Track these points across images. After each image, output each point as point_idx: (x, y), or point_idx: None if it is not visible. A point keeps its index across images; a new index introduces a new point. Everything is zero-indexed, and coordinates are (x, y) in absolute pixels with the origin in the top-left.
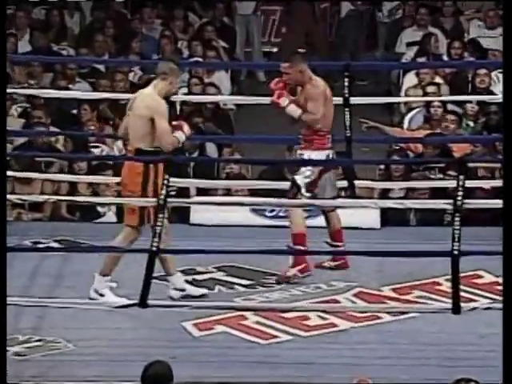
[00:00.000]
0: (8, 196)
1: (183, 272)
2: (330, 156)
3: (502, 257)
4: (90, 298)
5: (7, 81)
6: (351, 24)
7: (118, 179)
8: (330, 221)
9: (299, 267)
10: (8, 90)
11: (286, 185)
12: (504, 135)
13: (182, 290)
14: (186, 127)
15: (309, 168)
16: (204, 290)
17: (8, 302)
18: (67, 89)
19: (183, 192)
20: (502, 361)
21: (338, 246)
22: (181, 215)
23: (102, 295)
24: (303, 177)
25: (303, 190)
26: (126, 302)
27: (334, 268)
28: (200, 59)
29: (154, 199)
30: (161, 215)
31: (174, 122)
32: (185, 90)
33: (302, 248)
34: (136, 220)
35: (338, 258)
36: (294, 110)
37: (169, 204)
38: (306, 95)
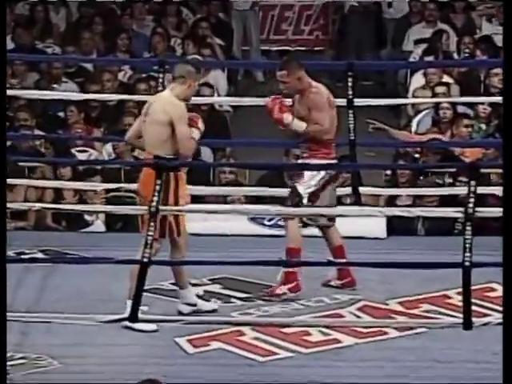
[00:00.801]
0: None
1: (175, 284)
2: None
3: (503, 258)
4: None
5: None
6: (355, 20)
7: (106, 186)
8: (329, 238)
9: (290, 285)
10: None
11: (285, 192)
12: (504, 135)
13: (193, 305)
14: (200, 122)
15: (314, 178)
16: (215, 305)
17: None
18: (52, 89)
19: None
20: (502, 361)
21: None
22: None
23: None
24: (306, 187)
25: (305, 201)
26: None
27: (340, 287)
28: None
29: (145, 207)
30: (152, 224)
31: (188, 115)
32: None
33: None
34: (156, 232)
35: (343, 275)
36: (299, 126)
37: (161, 212)
38: (308, 104)
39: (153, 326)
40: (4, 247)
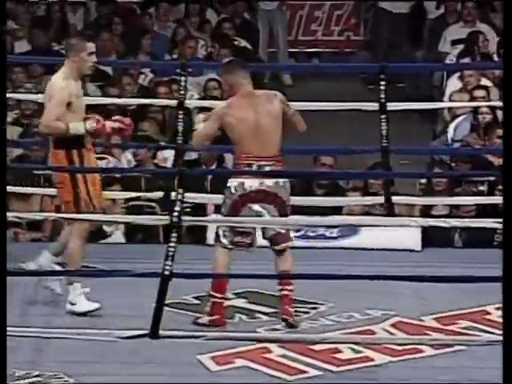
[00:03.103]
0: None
1: (197, 299)
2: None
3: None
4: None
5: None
6: (388, 19)
7: (126, 194)
8: (280, 262)
9: (213, 317)
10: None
11: (315, 200)
12: (504, 135)
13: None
14: (92, 121)
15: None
16: (95, 305)
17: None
18: None
19: (199, 209)
20: (502, 361)
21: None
22: (196, 235)
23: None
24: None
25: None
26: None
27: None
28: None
29: (167, 217)
30: (174, 235)
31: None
32: (196, 94)
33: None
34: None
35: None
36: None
37: (183, 223)
38: None
39: (96, 305)
40: (4, 248)
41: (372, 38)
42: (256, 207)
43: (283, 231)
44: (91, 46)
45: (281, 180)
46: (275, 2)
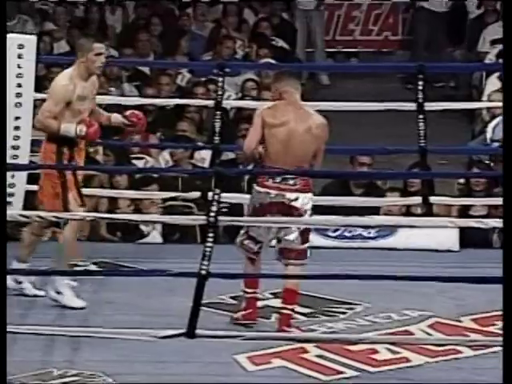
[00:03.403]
0: (42, 213)
1: (234, 299)
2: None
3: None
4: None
5: (43, 85)
6: (427, 18)
7: (163, 194)
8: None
9: (244, 312)
10: (44, 96)
11: (353, 200)
12: (504, 135)
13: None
14: (83, 125)
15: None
16: (81, 303)
17: (40, 332)
18: (108, 93)
19: (236, 209)
20: (502, 360)
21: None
22: (233, 235)
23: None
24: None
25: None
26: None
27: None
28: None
29: (204, 217)
30: (211, 235)
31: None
32: (234, 94)
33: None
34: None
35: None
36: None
37: (220, 223)
38: None
39: (81, 303)
40: (4, 248)
41: (411, 37)
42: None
43: (301, 248)
44: (99, 47)
45: (301, 195)
46: (313, 1)
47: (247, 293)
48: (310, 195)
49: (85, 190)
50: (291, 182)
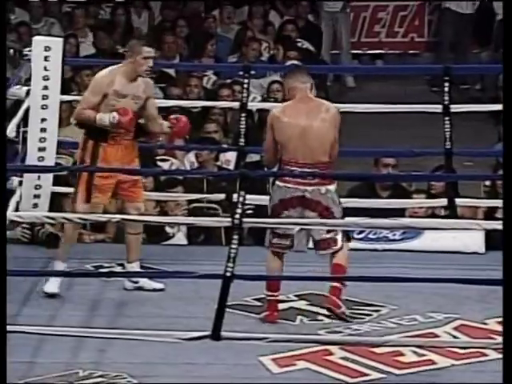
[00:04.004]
0: (68, 215)
1: (258, 300)
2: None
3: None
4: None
5: (69, 87)
6: (453, 19)
7: (188, 196)
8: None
9: (265, 313)
10: (70, 98)
11: (379, 203)
12: (504, 135)
13: (136, 282)
14: (123, 115)
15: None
16: (160, 285)
17: (67, 333)
18: None
19: (261, 211)
20: (503, 360)
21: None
22: (258, 237)
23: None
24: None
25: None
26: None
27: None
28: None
29: (229, 219)
30: (235, 236)
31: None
32: (259, 96)
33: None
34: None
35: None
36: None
37: (244, 224)
38: None
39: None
40: (4, 248)
41: (437, 39)
42: (295, 213)
43: (328, 236)
44: (148, 51)
45: (322, 188)
46: (339, 3)
47: (267, 295)
48: (330, 187)
49: None
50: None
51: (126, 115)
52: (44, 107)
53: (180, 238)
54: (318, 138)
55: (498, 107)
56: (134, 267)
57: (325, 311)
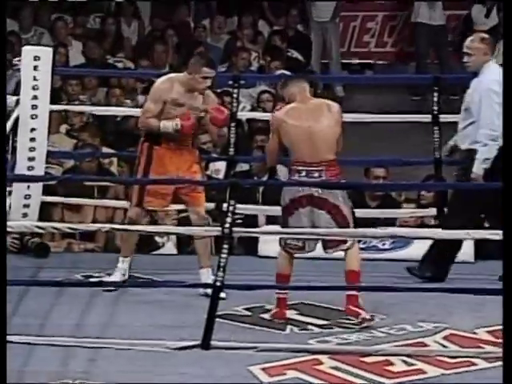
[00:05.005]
0: (57, 224)
1: (248, 310)
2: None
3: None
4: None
5: (58, 96)
6: (426, 31)
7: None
8: (346, 262)
9: (274, 311)
10: (60, 107)
11: (367, 212)
12: (504, 136)
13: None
14: (186, 121)
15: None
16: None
17: (56, 343)
18: (124, 105)
19: (251, 220)
20: (502, 358)
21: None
22: (248, 246)
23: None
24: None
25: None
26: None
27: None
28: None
29: (219, 228)
30: (225, 246)
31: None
32: (249, 106)
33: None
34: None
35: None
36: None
37: (234, 234)
38: None
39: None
40: (4, 248)
41: (413, 49)
42: (305, 212)
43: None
44: (207, 72)
45: None
46: (328, 13)
47: (277, 292)
48: None
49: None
50: (316, 174)
51: (188, 120)
52: (33, 117)
53: (170, 247)
54: (323, 137)
55: (481, 131)
56: (205, 273)
57: (315, 321)
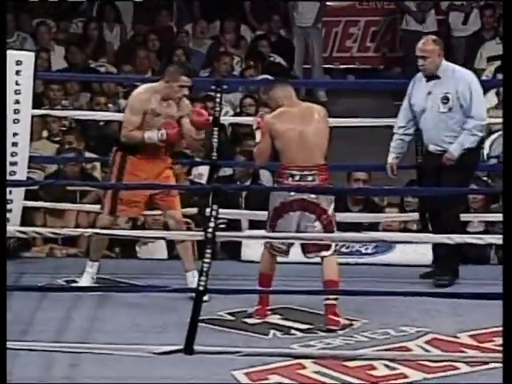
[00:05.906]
0: (40, 229)
1: (231, 315)
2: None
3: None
4: None
5: (40, 101)
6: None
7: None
8: (323, 270)
9: (255, 308)
10: (42, 112)
11: (350, 217)
12: (504, 136)
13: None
14: (170, 129)
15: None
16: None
17: (38, 348)
18: (107, 110)
19: (234, 225)
20: (502, 358)
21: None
22: (231, 251)
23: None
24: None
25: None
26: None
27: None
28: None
29: (201, 233)
30: (208, 250)
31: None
32: (231, 111)
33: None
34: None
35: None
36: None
37: (218, 238)
38: None
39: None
40: (4, 249)
41: (401, 54)
42: (295, 216)
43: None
44: (184, 80)
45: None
46: (311, 19)
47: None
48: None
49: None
50: (310, 178)
51: (173, 128)
52: (16, 121)
53: (161, 251)
54: (315, 140)
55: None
56: (189, 276)
57: (298, 325)
